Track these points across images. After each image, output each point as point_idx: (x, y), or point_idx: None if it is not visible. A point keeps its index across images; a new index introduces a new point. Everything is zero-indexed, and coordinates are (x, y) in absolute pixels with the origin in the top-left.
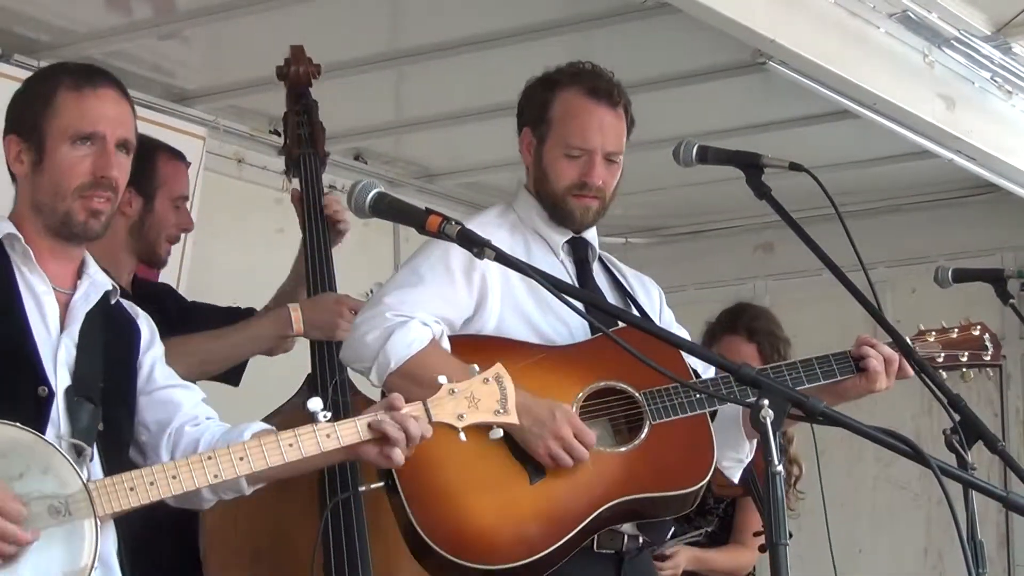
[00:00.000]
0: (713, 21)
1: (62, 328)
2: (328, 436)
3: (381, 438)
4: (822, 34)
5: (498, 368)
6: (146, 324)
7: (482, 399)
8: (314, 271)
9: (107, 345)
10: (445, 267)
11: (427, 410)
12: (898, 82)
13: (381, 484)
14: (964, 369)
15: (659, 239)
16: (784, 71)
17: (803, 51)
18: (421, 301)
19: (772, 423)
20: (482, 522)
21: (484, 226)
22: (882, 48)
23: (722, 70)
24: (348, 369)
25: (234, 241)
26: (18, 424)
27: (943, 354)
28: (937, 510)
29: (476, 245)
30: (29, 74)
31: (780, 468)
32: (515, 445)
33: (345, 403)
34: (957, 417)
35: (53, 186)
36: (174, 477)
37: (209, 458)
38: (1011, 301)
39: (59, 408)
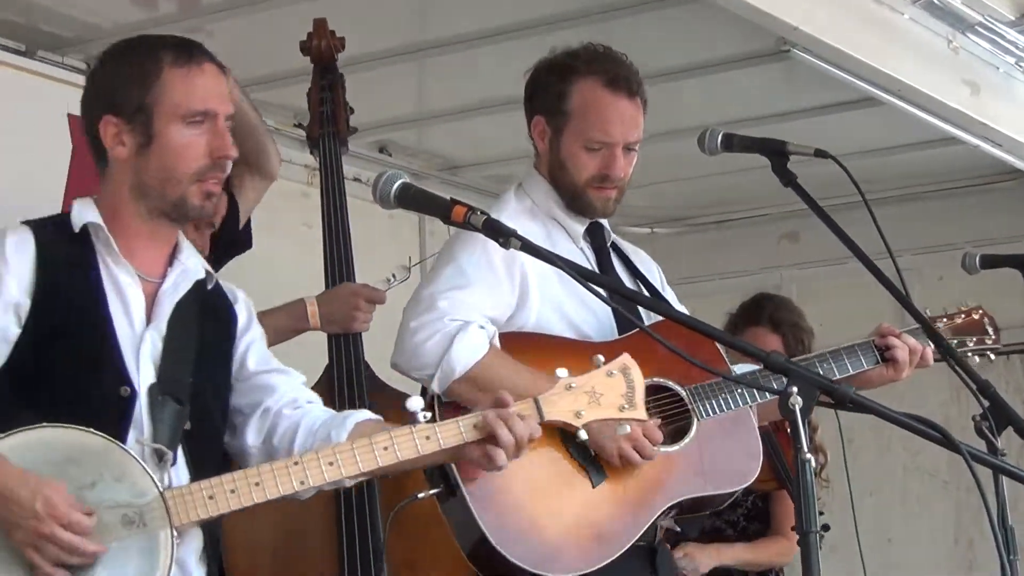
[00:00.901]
0: (737, 9)
1: (148, 321)
2: (428, 438)
3: (485, 439)
4: (846, 21)
5: (625, 359)
6: (244, 307)
7: (605, 394)
8: (332, 260)
9: (200, 336)
10: (488, 264)
11: (538, 408)
12: (923, 68)
13: (436, 491)
14: (970, 355)
15: (684, 228)
16: (808, 59)
17: (827, 38)
18: (474, 303)
19: (801, 410)
20: (551, 530)
21: (513, 217)
22: (906, 34)
23: (746, 58)
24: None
25: (259, 236)
26: (91, 430)
27: (953, 340)
28: (967, 497)
29: (502, 235)
30: (54, 70)
31: (810, 456)
32: (572, 445)
33: (362, 396)
34: (986, 403)
35: (166, 170)
36: (257, 484)
37: (295, 464)
38: None
39: (142, 408)
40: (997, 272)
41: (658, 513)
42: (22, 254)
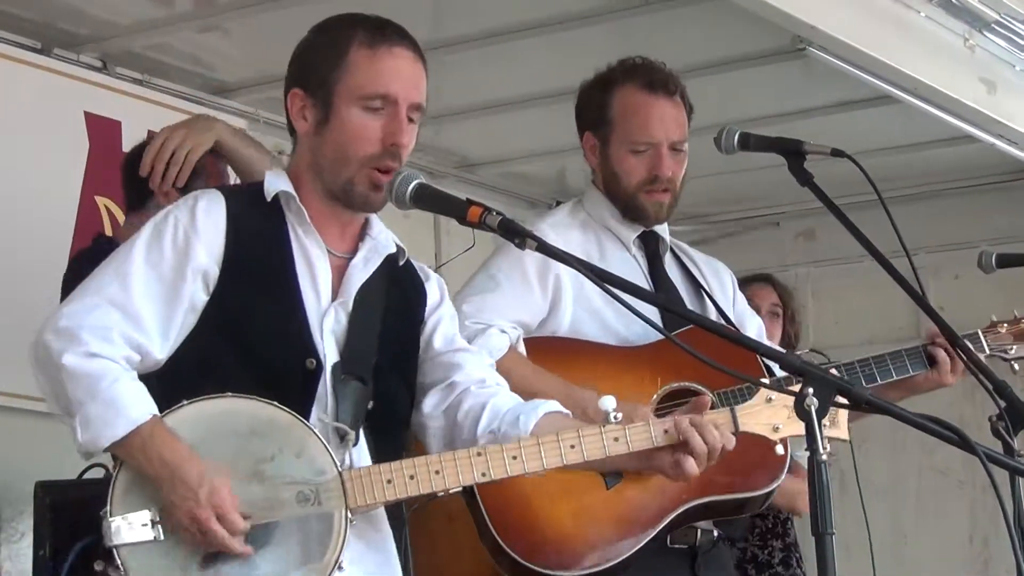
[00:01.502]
0: (753, 7)
1: (335, 296)
2: (616, 440)
3: (676, 446)
4: (862, 19)
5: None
6: (436, 286)
7: None
8: None
9: (387, 313)
10: (521, 271)
11: (734, 418)
12: (939, 66)
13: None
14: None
15: (701, 226)
16: (824, 57)
17: (843, 36)
18: (498, 307)
19: (817, 411)
20: (560, 528)
21: (556, 225)
22: (923, 32)
23: (762, 56)
24: None
25: None
26: (275, 403)
27: (1014, 346)
28: (982, 497)
29: (517, 235)
30: (70, 68)
31: (825, 456)
32: None
33: None
34: (1003, 403)
35: (338, 151)
36: (437, 472)
37: (479, 454)
38: None
39: (327, 384)
40: (1015, 269)
41: (671, 516)
42: (213, 220)
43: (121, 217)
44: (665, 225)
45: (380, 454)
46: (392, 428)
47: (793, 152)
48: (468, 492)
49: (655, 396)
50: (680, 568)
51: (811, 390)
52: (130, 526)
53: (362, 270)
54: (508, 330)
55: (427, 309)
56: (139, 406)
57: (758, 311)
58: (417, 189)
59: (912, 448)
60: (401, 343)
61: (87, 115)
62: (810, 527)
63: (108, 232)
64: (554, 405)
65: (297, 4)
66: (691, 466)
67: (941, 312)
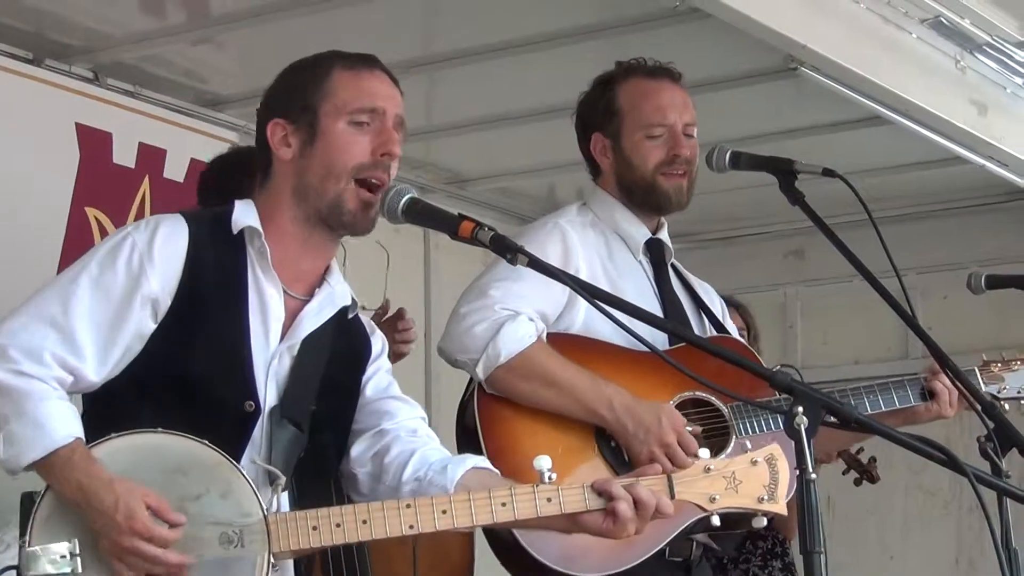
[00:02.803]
0: (745, 27)
1: (283, 338)
2: (549, 500)
3: (607, 509)
4: (854, 40)
5: (773, 449)
6: (380, 342)
7: (745, 482)
8: None
9: (331, 362)
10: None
11: (671, 485)
12: (930, 87)
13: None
14: (1023, 402)
15: (691, 245)
16: (816, 77)
17: (835, 56)
18: (525, 295)
19: (807, 430)
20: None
21: (573, 223)
22: (914, 53)
23: (754, 75)
24: None
25: None
26: (205, 442)
27: (1007, 386)
28: (968, 517)
29: (509, 251)
30: (61, 79)
31: (814, 475)
32: (605, 445)
33: None
34: (991, 424)
35: (326, 166)
36: (364, 522)
37: (408, 506)
38: None
39: (262, 427)
40: (1002, 291)
41: (687, 523)
42: (172, 249)
43: (111, 228)
44: (667, 234)
45: (302, 502)
46: (319, 477)
47: (784, 171)
48: None
49: (670, 403)
50: None
51: (800, 408)
52: (47, 557)
53: (314, 316)
54: (536, 320)
55: (370, 361)
56: (62, 428)
57: None
58: (409, 203)
59: (899, 468)
60: (341, 394)
61: (78, 126)
62: (799, 546)
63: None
64: (482, 461)
65: (289, 18)
66: (622, 531)
67: (929, 332)
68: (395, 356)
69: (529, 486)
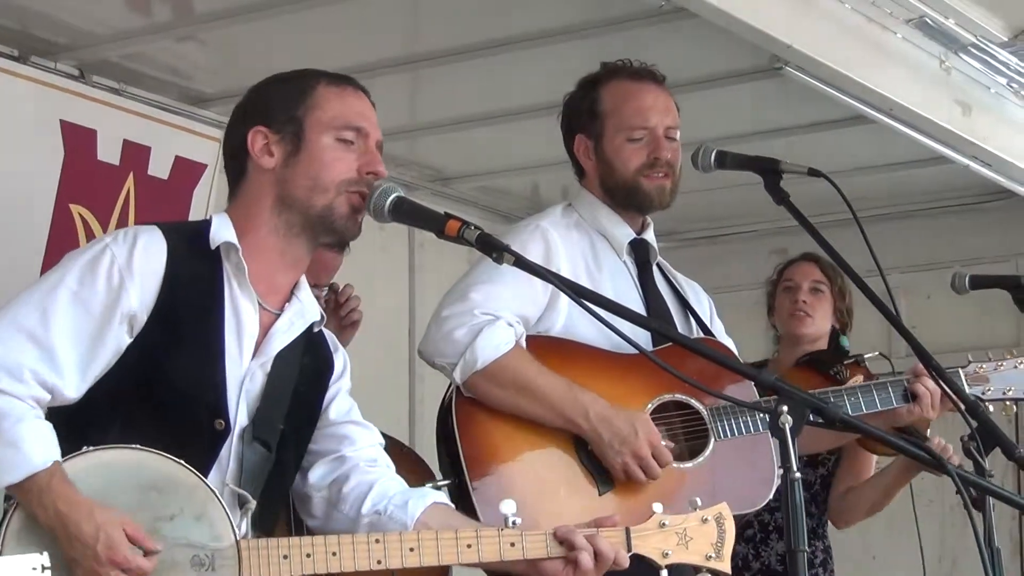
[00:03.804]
0: (731, 26)
1: (255, 355)
2: (512, 545)
3: (567, 557)
4: (839, 39)
5: (722, 509)
6: (342, 359)
7: (695, 539)
8: None
9: (299, 380)
10: None
11: (628, 539)
12: (915, 88)
13: (447, 482)
14: (1007, 402)
15: (676, 243)
16: (801, 76)
17: (820, 56)
18: (505, 299)
19: (791, 429)
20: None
21: (556, 225)
22: (899, 54)
23: (739, 75)
24: None
25: None
26: (182, 462)
27: (991, 388)
28: (951, 516)
29: (496, 250)
30: (47, 76)
31: (798, 474)
32: (583, 450)
33: None
34: (975, 424)
35: (312, 179)
36: (334, 554)
37: (376, 541)
38: None
39: (231, 447)
40: (984, 291)
41: None
42: (151, 263)
43: (96, 225)
44: (653, 234)
45: (262, 522)
46: (278, 494)
47: (770, 171)
48: (459, 486)
49: (648, 407)
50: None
51: (785, 407)
52: (19, 569)
53: (285, 333)
54: (515, 324)
55: (331, 380)
56: (40, 451)
57: (798, 289)
58: (396, 202)
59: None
60: (305, 412)
61: (63, 123)
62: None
63: (82, 243)
64: (441, 496)
65: (273, 16)
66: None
67: (912, 331)
68: (351, 327)
69: (494, 529)
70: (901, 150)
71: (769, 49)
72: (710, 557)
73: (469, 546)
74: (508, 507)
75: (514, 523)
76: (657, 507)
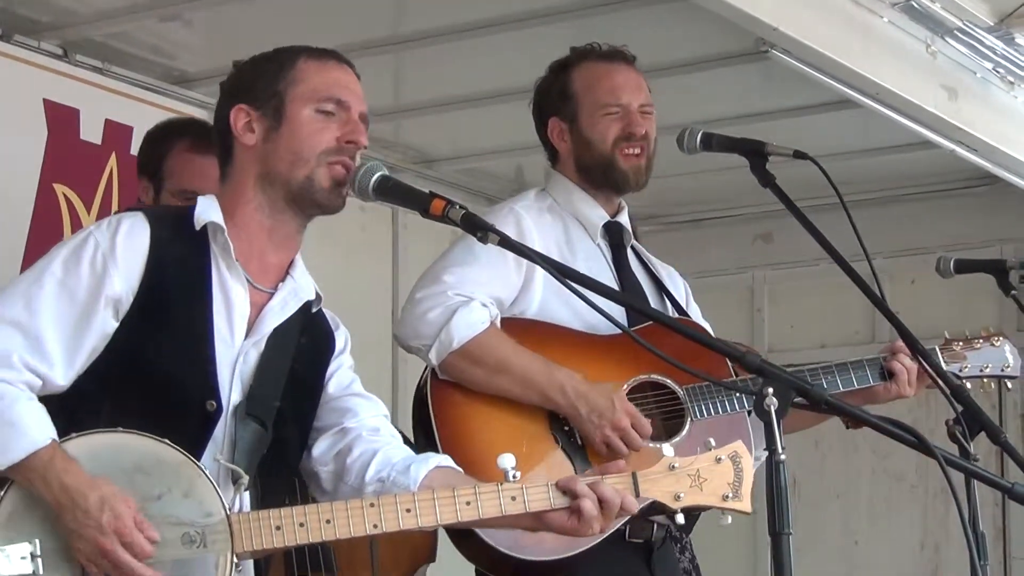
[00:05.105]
0: (716, 9)
1: (248, 334)
2: (514, 499)
3: (571, 507)
4: (825, 23)
5: (737, 446)
6: (343, 337)
7: (709, 479)
8: None
9: (296, 359)
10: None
11: (635, 483)
12: (900, 72)
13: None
14: (985, 380)
15: (659, 227)
16: (787, 60)
17: (806, 40)
18: (479, 280)
19: (776, 411)
20: None
21: (529, 209)
22: (885, 37)
23: (725, 58)
24: None
25: None
26: (166, 441)
27: (968, 365)
28: (934, 502)
29: (480, 229)
30: (30, 55)
31: (783, 456)
32: (559, 429)
33: None
34: (960, 407)
35: (292, 151)
36: (328, 522)
37: (372, 505)
38: (1012, 292)
39: (225, 426)
40: (968, 275)
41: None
42: (134, 248)
43: (79, 205)
44: (627, 216)
45: (264, 501)
46: (282, 474)
47: (756, 153)
48: None
49: (623, 388)
50: (636, 561)
51: (771, 390)
52: (7, 558)
53: (279, 312)
54: (489, 305)
55: (332, 357)
56: (38, 429)
57: None
58: (380, 181)
59: (864, 451)
60: (304, 390)
61: (46, 102)
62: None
63: (66, 222)
64: (446, 460)
65: None
66: (587, 529)
67: (897, 315)
68: None
69: (493, 484)
70: (886, 135)
71: (755, 32)
72: (727, 497)
73: (468, 503)
74: (507, 461)
75: (514, 477)
76: (668, 450)
